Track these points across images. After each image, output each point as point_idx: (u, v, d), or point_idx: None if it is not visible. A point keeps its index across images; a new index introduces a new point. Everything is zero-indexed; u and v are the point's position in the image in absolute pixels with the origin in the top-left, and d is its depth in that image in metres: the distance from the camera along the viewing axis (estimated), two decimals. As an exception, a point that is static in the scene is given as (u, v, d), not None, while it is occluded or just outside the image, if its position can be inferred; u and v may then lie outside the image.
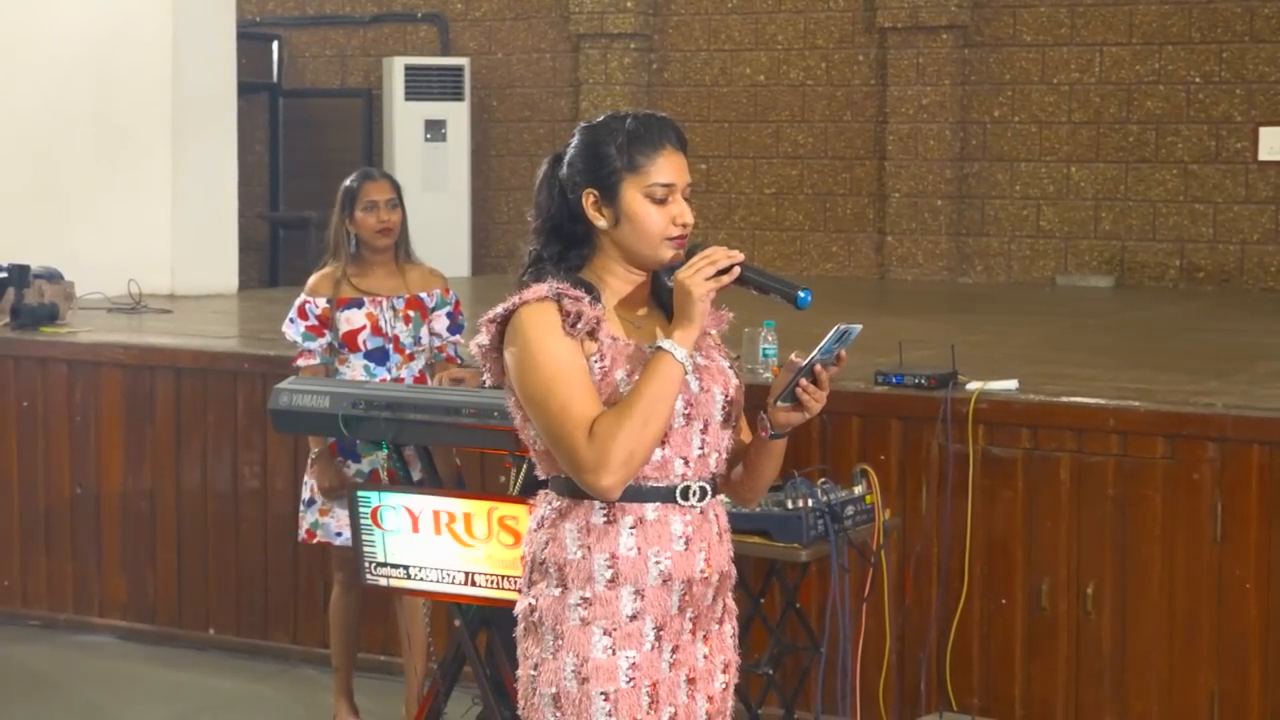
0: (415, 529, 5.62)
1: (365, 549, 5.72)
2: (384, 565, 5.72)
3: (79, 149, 11.18)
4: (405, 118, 14.08)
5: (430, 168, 13.99)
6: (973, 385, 6.69)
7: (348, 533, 6.43)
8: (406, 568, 5.67)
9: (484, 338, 3.58)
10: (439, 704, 5.89)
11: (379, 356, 6.50)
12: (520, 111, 14.79)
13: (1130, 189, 12.84)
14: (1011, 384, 6.76)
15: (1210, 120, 12.60)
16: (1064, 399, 6.66)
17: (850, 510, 6.16)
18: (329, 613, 6.89)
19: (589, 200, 3.55)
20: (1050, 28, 13.04)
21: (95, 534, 8.31)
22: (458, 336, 6.56)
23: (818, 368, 3.53)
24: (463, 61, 14.38)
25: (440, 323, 6.58)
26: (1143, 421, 6.43)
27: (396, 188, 6.67)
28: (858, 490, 6.26)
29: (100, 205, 11.10)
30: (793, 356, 3.59)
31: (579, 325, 3.46)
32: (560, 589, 3.52)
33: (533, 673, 3.55)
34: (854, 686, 6.34)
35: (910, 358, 6.98)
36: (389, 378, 6.46)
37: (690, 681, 3.59)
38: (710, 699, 3.63)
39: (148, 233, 11.05)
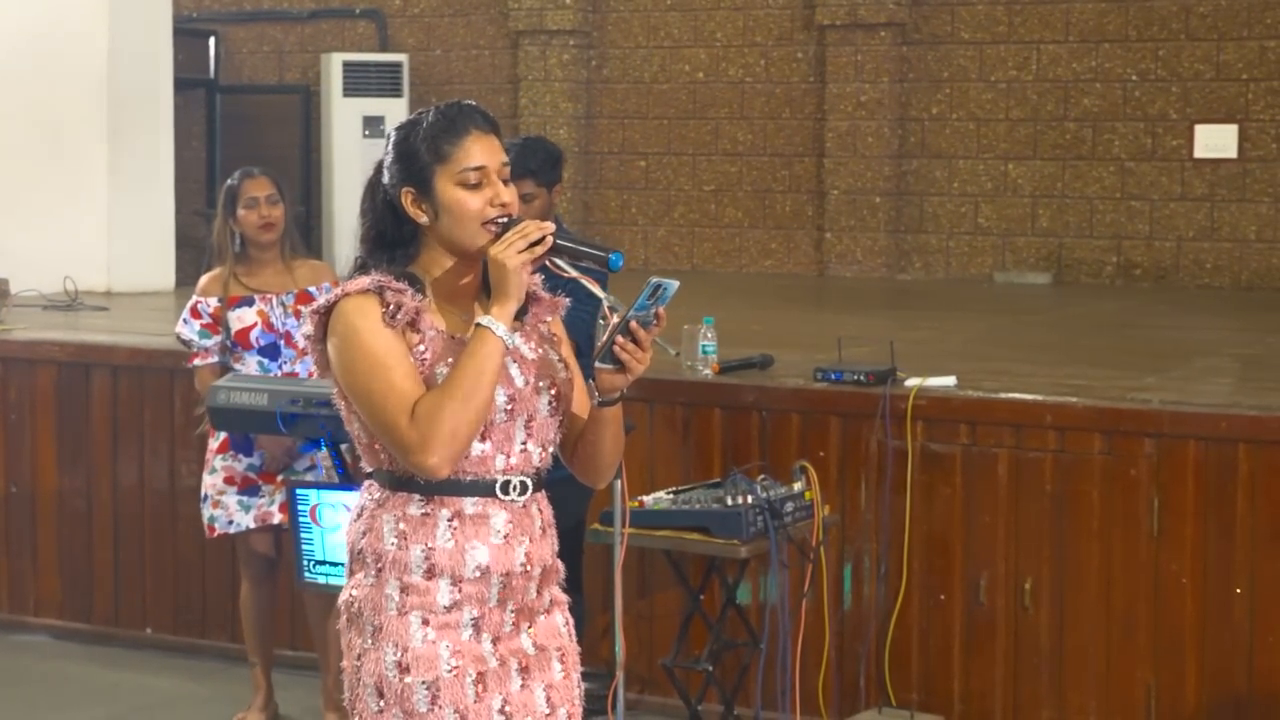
0: (354, 527, 5.60)
1: (304, 547, 5.71)
2: (323, 563, 5.70)
3: (14, 145, 11.09)
4: (343, 114, 14.02)
5: (369, 164, 13.87)
6: (911, 382, 6.71)
7: (238, 519, 6.59)
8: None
9: (309, 328, 3.61)
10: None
11: (271, 353, 6.62)
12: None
13: (1067, 186, 12.90)
14: (950, 380, 6.78)
15: (1147, 118, 12.67)
16: (1002, 395, 6.69)
17: (790, 506, 6.18)
18: (240, 607, 6.93)
19: (408, 199, 3.56)
20: (988, 25, 13.09)
21: (30, 533, 8.26)
22: None
23: (634, 325, 3.46)
24: (401, 58, 14.33)
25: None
26: (1080, 417, 6.47)
27: (278, 184, 6.75)
28: (797, 487, 6.28)
29: (36, 202, 11.01)
30: (613, 318, 3.53)
31: (399, 316, 3.47)
32: (377, 579, 3.53)
33: (356, 663, 3.55)
34: (794, 682, 6.36)
35: (849, 354, 6.99)
36: (280, 373, 6.54)
37: (523, 670, 3.57)
38: (550, 687, 3.61)
39: (84, 229, 10.98)
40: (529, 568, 3.57)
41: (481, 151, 3.55)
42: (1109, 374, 7.50)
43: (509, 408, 3.53)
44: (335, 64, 14.11)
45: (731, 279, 13.30)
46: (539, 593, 3.62)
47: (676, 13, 14.07)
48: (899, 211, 13.35)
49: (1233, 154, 12.45)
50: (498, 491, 3.54)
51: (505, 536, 3.54)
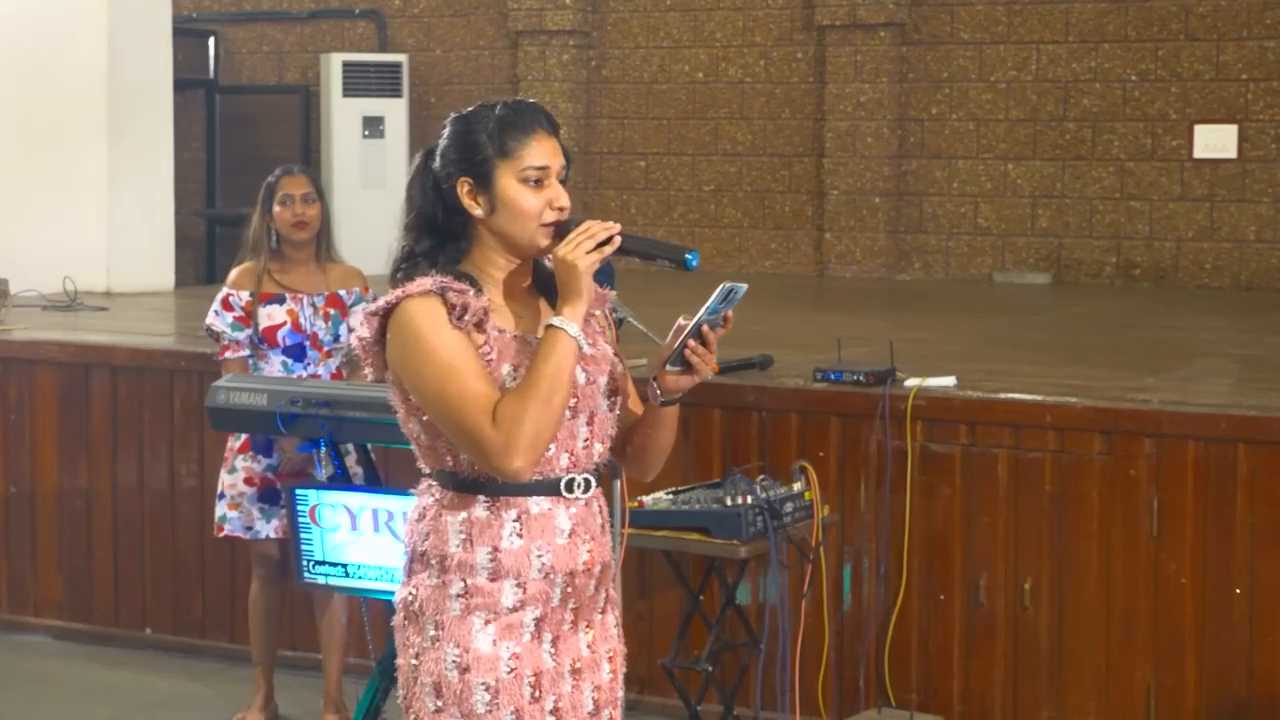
0: (354, 527, 5.60)
1: (303, 547, 5.70)
2: (322, 564, 5.70)
3: (13, 145, 11.08)
4: (343, 114, 14.02)
5: (368, 164, 13.93)
6: (911, 382, 6.71)
7: (258, 526, 6.61)
8: (344, 566, 5.65)
9: (365, 331, 3.57)
10: (378, 702, 5.88)
11: (297, 353, 6.60)
12: (459, 108, 14.67)
13: (1067, 186, 12.90)
14: (949, 381, 6.78)
15: (1146, 118, 12.67)
16: (1001, 395, 6.69)
17: (789, 507, 6.17)
18: (248, 607, 6.94)
19: (463, 189, 3.54)
20: (987, 26, 13.09)
21: (30, 533, 8.25)
22: None
23: (704, 328, 3.50)
24: (401, 58, 14.33)
25: (356, 318, 6.63)
26: (1080, 418, 6.46)
27: (315, 183, 6.72)
28: (797, 487, 6.27)
29: (35, 202, 11.01)
30: (680, 320, 3.56)
31: (466, 317, 3.45)
32: (440, 579, 3.52)
33: (414, 661, 3.55)
34: (793, 683, 6.36)
35: (849, 354, 6.99)
36: (304, 375, 6.52)
37: (575, 672, 3.58)
38: (597, 688, 3.63)
39: (83, 230, 10.97)
40: (591, 566, 3.58)
41: (545, 152, 3.55)
42: (1109, 374, 7.50)
43: (572, 405, 3.52)
44: (335, 64, 14.11)
45: (731, 279, 13.27)
46: (597, 590, 3.63)
47: (676, 13, 14.07)
48: (898, 212, 13.35)
49: (1232, 154, 12.45)
50: (563, 490, 3.54)
51: (570, 535, 3.54)
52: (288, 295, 6.63)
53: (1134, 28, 12.70)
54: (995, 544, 6.55)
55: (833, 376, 6.85)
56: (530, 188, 3.52)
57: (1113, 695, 6.42)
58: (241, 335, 6.62)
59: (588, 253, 3.46)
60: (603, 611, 3.67)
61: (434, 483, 3.59)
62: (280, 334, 6.58)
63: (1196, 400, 6.61)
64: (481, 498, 3.51)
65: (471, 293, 3.48)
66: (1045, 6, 12.94)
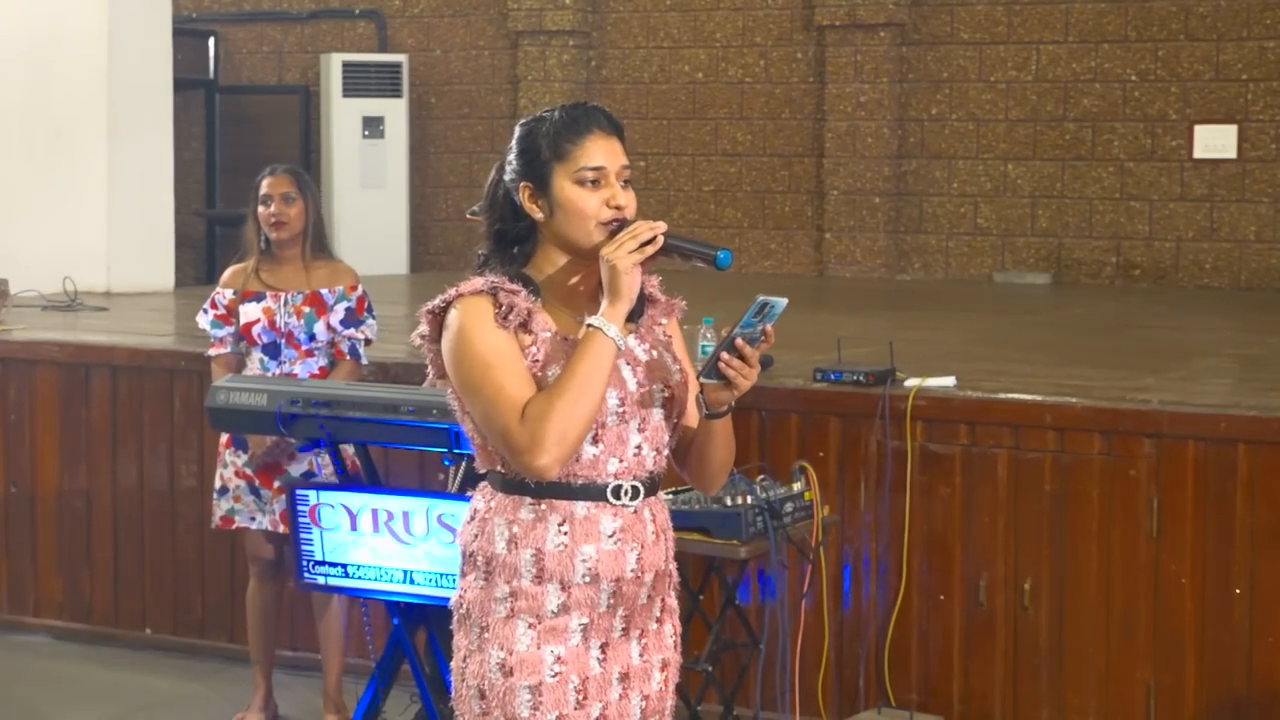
0: (354, 527, 5.61)
1: (303, 547, 5.70)
2: (322, 564, 5.70)
3: (13, 145, 11.09)
4: (343, 114, 14.02)
5: (368, 165, 13.94)
6: (911, 382, 6.71)
7: (260, 518, 6.65)
8: (344, 566, 5.65)
9: (424, 328, 3.61)
10: (378, 702, 5.88)
11: (272, 351, 6.68)
12: (459, 108, 14.76)
13: (1067, 186, 12.90)
14: (949, 381, 6.78)
15: (1146, 118, 12.67)
16: (1001, 395, 6.68)
17: (789, 507, 6.17)
18: (246, 604, 6.95)
19: (525, 193, 3.57)
20: (987, 26, 13.09)
21: (30, 533, 8.25)
22: (351, 330, 6.69)
23: (739, 342, 3.49)
24: (401, 58, 14.34)
25: (337, 316, 6.67)
26: (1079, 418, 6.46)
27: (298, 182, 6.76)
28: (797, 487, 6.27)
29: (35, 202, 11.01)
30: (723, 332, 3.57)
31: (510, 317, 3.48)
32: (486, 581, 3.53)
33: (462, 664, 3.57)
34: (793, 683, 6.36)
35: (849, 355, 6.99)
36: (278, 373, 6.56)
37: (624, 679, 3.58)
38: (646, 698, 3.62)
39: (83, 230, 10.97)
40: (640, 574, 3.57)
41: (602, 152, 3.56)
42: (1108, 374, 7.50)
43: (620, 410, 3.53)
44: (335, 64, 14.11)
45: (731, 279, 13.28)
46: (650, 599, 3.62)
47: (676, 13, 14.07)
48: (898, 212, 13.35)
49: (1232, 154, 12.46)
50: (609, 496, 3.54)
51: (616, 542, 3.54)
52: (267, 293, 6.70)
53: (1134, 28, 12.70)
54: (995, 544, 6.55)
55: (833, 376, 6.85)
56: (586, 188, 3.54)
57: (1113, 695, 6.42)
58: (222, 333, 6.73)
59: (630, 253, 3.48)
60: (659, 620, 3.66)
61: (487, 484, 3.61)
62: (255, 331, 6.65)
63: (1196, 400, 6.61)
64: (528, 500, 3.52)
65: (523, 294, 3.51)
66: (1045, 6, 12.95)
